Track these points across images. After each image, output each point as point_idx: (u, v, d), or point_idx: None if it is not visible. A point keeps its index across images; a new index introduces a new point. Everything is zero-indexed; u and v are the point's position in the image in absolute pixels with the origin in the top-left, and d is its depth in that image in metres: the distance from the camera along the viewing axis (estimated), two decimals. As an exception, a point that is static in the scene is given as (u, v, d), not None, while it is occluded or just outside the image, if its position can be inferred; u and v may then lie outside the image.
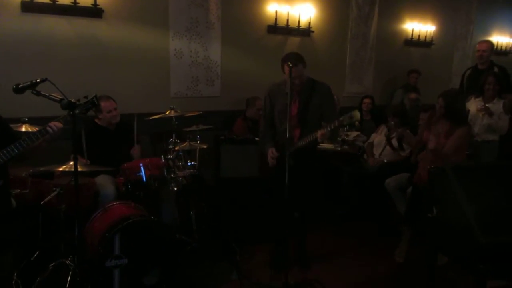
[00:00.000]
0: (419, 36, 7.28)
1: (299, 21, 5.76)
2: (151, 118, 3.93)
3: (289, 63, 3.10)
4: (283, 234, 3.43)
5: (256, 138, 4.46)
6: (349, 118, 2.98)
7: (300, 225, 3.66)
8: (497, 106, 4.45)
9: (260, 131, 3.80)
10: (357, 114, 2.99)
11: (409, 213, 3.82)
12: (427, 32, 7.37)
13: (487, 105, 4.42)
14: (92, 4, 4.26)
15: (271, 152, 3.50)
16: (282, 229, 3.43)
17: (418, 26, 7.23)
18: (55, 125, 2.45)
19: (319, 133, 3.15)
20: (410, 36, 7.20)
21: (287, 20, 5.65)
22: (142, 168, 3.48)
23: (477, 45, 5.37)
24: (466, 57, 8.07)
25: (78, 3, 4.17)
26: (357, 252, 4.00)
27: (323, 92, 3.47)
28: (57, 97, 2.37)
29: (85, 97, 2.53)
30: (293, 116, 3.38)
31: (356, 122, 3.13)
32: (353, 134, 5.22)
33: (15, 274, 2.93)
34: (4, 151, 2.29)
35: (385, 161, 4.81)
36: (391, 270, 3.69)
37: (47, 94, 2.37)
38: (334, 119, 3.15)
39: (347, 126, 3.19)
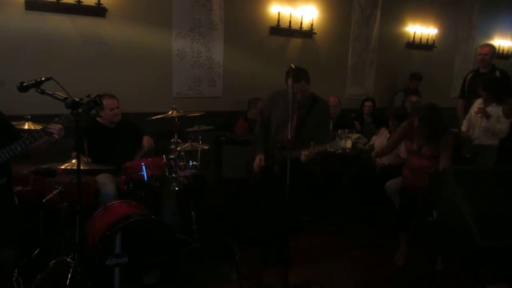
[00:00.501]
0: (421, 39, 7.30)
1: (301, 23, 5.77)
2: (153, 118, 3.94)
3: (292, 79, 3.12)
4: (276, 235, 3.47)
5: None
6: (338, 147, 3.05)
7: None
8: (496, 109, 4.46)
9: (254, 131, 3.82)
10: (348, 143, 3.02)
11: (400, 219, 3.81)
12: (429, 35, 7.38)
13: (486, 108, 4.43)
14: (95, 3, 4.27)
15: (259, 160, 3.54)
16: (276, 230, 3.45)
17: (420, 29, 7.25)
18: (54, 127, 2.44)
19: (303, 154, 3.22)
20: (412, 39, 7.21)
21: (290, 22, 5.66)
22: (143, 167, 3.48)
23: (478, 49, 5.38)
24: (467, 61, 8.09)
25: (82, 2, 4.19)
26: (357, 255, 4.01)
27: (322, 111, 3.53)
28: (61, 96, 2.38)
29: (88, 96, 2.53)
30: (291, 128, 3.35)
31: (347, 150, 3.15)
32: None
33: (16, 271, 2.95)
34: (8, 149, 2.30)
35: (386, 163, 4.83)
36: (391, 273, 3.70)
37: (52, 93, 2.38)
38: (324, 140, 3.21)
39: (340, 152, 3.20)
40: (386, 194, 4.33)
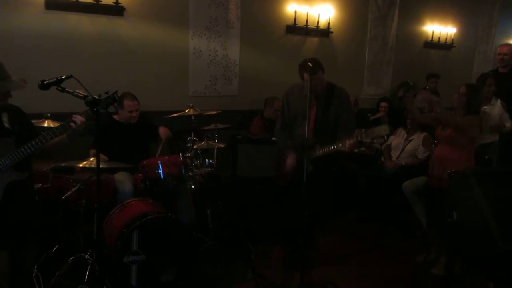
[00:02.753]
0: (439, 38, 7.20)
1: (318, 22, 5.74)
2: (170, 116, 3.96)
3: (307, 73, 3.05)
4: (298, 234, 3.42)
5: (274, 138, 4.46)
6: (375, 134, 2.93)
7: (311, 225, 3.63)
8: (495, 106, 4.43)
9: (275, 130, 3.76)
10: (385, 129, 2.96)
11: (430, 218, 3.76)
12: (447, 34, 7.28)
13: (484, 107, 4.34)
14: (113, 2, 4.31)
15: (292, 160, 3.42)
16: (297, 230, 3.41)
17: (439, 28, 7.15)
18: (78, 118, 2.49)
19: (347, 144, 3.05)
20: (430, 38, 7.12)
21: (306, 21, 5.63)
22: (160, 165, 3.50)
23: (498, 48, 5.29)
24: (487, 61, 7.96)
25: (100, 1, 4.22)
26: (373, 255, 3.97)
27: (342, 99, 3.41)
28: (81, 94, 2.40)
29: (106, 92, 2.56)
30: (311, 122, 3.34)
31: (385, 137, 3.09)
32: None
33: (35, 267, 2.99)
34: (29, 144, 2.33)
35: (403, 164, 4.78)
36: (407, 274, 3.66)
37: (72, 91, 2.40)
38: (350, 125, 3.13)
39: (375, 140, 3.13)
40: (403, 194, 4.29)
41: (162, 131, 4.17)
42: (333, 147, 3.16)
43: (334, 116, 3.38)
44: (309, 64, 3.12)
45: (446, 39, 7.30)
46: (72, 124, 2.46)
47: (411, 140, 4.87)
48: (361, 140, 3.02)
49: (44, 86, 2.36)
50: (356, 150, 4.83)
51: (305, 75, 3.18)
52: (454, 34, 7.36)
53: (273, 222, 4.00)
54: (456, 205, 2.67)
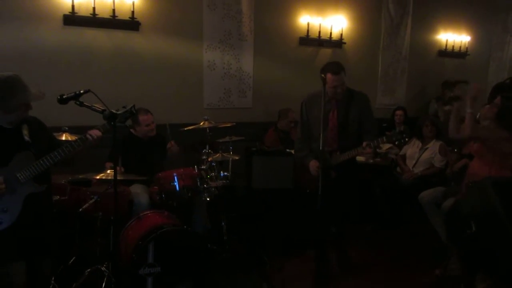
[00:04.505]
0: (453, 46, 7.15)
1: (331, 33, 5.76)
2: (185, 128, 3.99)
3: (330, 72, 3.10)
4: (321, 248, 3.38)
5: (288, 150, 4.47)
6: (397, 135, 2.91)
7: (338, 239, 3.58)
8: None
9: (296, 139, 3.72)
10: (407, 131, 2.93)
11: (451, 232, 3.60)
12: (461, 42, 7.23)
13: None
14: (129, 18, 4.40)
15: (315, 163, 3.37)
16: (321, 243, 3.37)
17: (452, 37, 7.10)
18: (95, 133, 2.54)
19: (366, 150, 3.05)
20: (444, 47, 7.08)
21: (319, 32, 5.66)
22: (175, 178, 3.52)
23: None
24: (502, 68, 7.86)
25: (117, 16, 4.31)
26: (389, 267, 3.91)
27: (362, 102, 3.37)
28: (99, 108, 2.44)
29: (124, 107, 2.59)
30: (331, 127, 3.33)
31: (407, 139, 3.04)
32: (386, 146, 5.14)
33: (52, 278, 3.01)
34: (48, 157, 2.38)
35: (420, 174, 4.73)
36: (425, 286, 3.60)
37: (90, 105, 2.45)
38: (374, 130, 3.07)
39: (397, 143, 3.11)
40: (419, 205, 4.24)
41: (169, 145, 4.12)
42: (353, 153, 3.15)
43: (356, 120, 3.33)
44: (332, 65, 3.19)
45: (460, 47, 7.24)
46: (89, 137, 2.50)
47: (426, 149, 4.82)
48: (377, 145, 3.02)
49: (63, 101, 2.41)
50: (371, 161, 4.86)
51: (328, 75, 3.19)
52: (468, 42, 7.30)
53: (288, 234, 3.99)
54: (474, 216, 2.63)
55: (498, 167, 3.17)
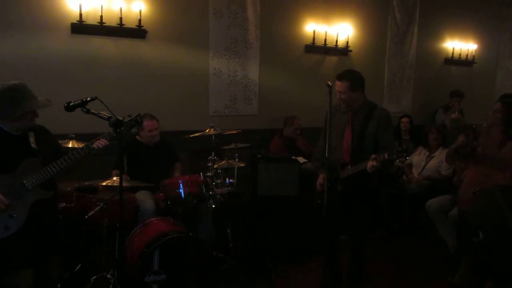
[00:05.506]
0: (460, 54, 7.13)
1: (337, 41, 5.77)
2: (191, 135, 4.00)
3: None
4: (329, 256, 3.32)
5: (293, 157, 4.47)
6: (398, 153, 2.77)
7: (354, 255, 3.46)
8: None
9: (316, 147, 3.55)
10: (410, 148, 2.85)
11: (461, 242, 3.54)
12: (468, 50, 7.20)
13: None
14: (136, 26, 4.43)
15: (321, 179, 3.29)
16: (329, 251, 3.29)
17: (459, 45, 7.08)
18: (101, 143, 2.55)
19: (369, 164, 2.88)
20: (450, 55, 7.06)
21: (325, 40, 5.67)
22: (181, 185, 3.53)
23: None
24: (509, 77, 7.81)
25: (124, 24, 4.35)
26: (396, 275, 3.88)
27: (380, 119, 3.13)
28: (105, 115, 2.45)
29: (129, 115, 2.61)
30: (346, 140, 3.18)
31: (407, 158, 2.92)
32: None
33: (58, 286, 3.02)
34: (54, 164, 2.40)
35: (426, 177, 4.71)
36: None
37: (96, 112, 2.46)
38: (391, 149, 2.87)
39: (398, 160, 2.96)
40: (426, 212, 4.21)
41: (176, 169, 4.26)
42: (360, 167, 3.00)
43: (372, 136, 3.13)
44: (343, 71, 3.12)
45: (467, 55, 7.22)
46: (95, 147, 2.52)
47: (433, 157, 4.80)
48: (382, 160, 2.89)
49: (69, 108, 2.43)
50: (398, 157, 4.82)
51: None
52: (475, 50, 7.28)
53: (293, 242, 3.96)
54: (482, 224, 2.61)
55: (494, 174, 3.18)
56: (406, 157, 2.80)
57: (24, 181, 2.34)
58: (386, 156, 2.82)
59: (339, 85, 3.11)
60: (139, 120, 2.62)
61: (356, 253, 3.43)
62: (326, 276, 3.45)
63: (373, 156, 2.88)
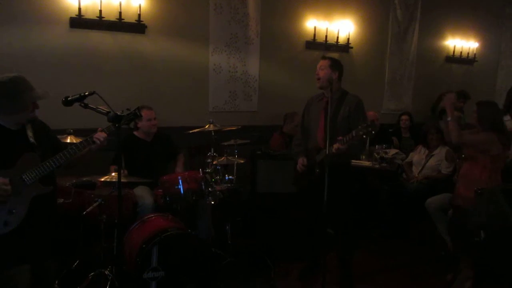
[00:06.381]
0: (461, 52, 7.11)
1: (337, 37, 5.74)
2: (190, 131, 3.98)
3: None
4: (314, 251, 3.36)
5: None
6: (363, 128, 2.79)
7: (341, 245, 3.54)
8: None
9: (294, 138, 3.76)
10: (374, 124, 2.84)
11: (456, 240, 3.63)
12: (469, 49, 7.18)
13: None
14: (136, 20, 4.40)
15: (302, 161, 3.44)
16: (314, 246, 3.35)
17: (460, 43, 7.06)
18: (101, 136, 2.53)
19: (334, 147, 3.00)
20: (451, 53, 7.04)
21: (326, 36, 5.64)
22: (180, 181, 3.50)
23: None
24: (511, 76, 7.80)
25: (123, 19, 4.31)
26: (395, 274, 3.87)
27: (352, 104, 3.31)
28: (104, 110, 2.42)
29: (128, 109, 2.57)
30: (321, 126, 3.35)
31: (373, 132, 2.88)
32: (392, 151, 5.12)
33: (56, 282, 2.99)
34: (53, 159, 2.37)
35: (425, 176, 4.70)
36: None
37: (95, 107, 2.43)
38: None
39: (365, 136, 2.93)
40: (426, 211, 4.19)
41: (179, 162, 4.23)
42: (330, 150, 2.95)
43: (345, 120, 3.27)
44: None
45: (468, 53, 7.20)
46: (97, 141, 2.50)
47: (432, 155, 4.78)
48: (348, 141, 2.97)
49: (67, 103, 2.39)
50: (377, 166, 4.81)
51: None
52: (477, 48, 7.26)
53: (292, 239, 3.95)
54: (483, 224, 2.59)
55: (489, 170, 3.45)
56: (372, 131, 2.79)
57: (23, 176, 2.31)
58: (353, 134, 2.90)
59: (320, 63, 3.37)
60: (138, 113, 2.58)
61: (343, 256, 3.51)
62: (307, 269, 3.62)
63: (339, 138, 3.00)
